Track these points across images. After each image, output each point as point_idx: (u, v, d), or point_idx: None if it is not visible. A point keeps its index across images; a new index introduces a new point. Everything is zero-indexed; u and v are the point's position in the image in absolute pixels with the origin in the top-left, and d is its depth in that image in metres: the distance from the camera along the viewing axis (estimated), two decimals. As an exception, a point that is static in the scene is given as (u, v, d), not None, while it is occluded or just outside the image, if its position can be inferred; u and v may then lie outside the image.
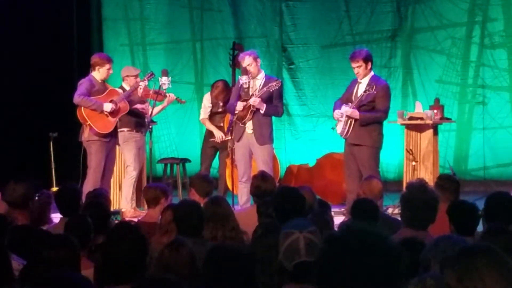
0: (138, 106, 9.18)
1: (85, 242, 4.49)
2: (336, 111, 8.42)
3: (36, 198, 6.16)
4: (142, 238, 3.64)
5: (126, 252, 3.51)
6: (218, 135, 9.83)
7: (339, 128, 8.40)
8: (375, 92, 8.18)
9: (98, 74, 8.80)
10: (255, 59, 8.57)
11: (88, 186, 8.37)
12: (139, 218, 6.99)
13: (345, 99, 8.46)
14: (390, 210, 8.62)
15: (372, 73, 8.39)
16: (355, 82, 8.47)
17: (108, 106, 8.67)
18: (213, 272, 3.34)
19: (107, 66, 8.80)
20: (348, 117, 8.25)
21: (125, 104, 8.88)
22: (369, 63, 8.33)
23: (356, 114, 8.19)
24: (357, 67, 8.30)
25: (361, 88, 8.31)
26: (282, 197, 5.15)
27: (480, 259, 2.35)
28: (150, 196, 6.24)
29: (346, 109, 8.25)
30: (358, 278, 2.18)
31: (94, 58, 8.92)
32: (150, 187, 6.60)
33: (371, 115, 8.25)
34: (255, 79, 8.57)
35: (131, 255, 3.51)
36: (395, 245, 2.26)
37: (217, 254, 3.41)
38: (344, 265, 2.20)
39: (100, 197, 6.14)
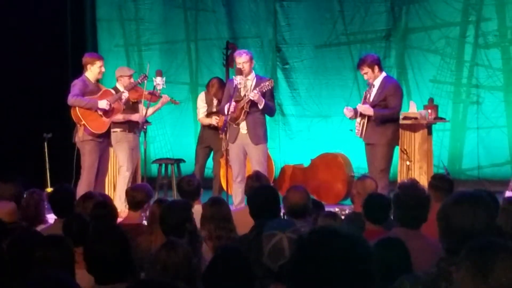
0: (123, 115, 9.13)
1: (84, 241, 4.47)
2: (346, 108, 8.59)
3: (26, 196, 6.16)
4: (123, 237, 3.62)
5: (107, 252, 3.49)
6: (214, 121, 9.82)
7: (357, 130, 8.59)
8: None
9: (90, 73, 8.78)
10: (251, 59, 8.61)
11: (82, 186, 8.37)
12: (120, 220, 6.86)
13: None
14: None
15: (383, 74, 8.57)
16: (370, 85, 8.64)
17: (103, 103, 8.65)
18: (220, 273, 3.35)
19: (98, 63, 8.77)
20: (361, 117, 8.39)
21: (119, 104, 8.87)
22: (375, 66, 8.50)
23: (370, 111, 8.35)
24: (365, 73, 8.52)
25: (374, 90, 8.49)
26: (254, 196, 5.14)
27: (502, 253, 2.35)
28: (137, 199, 5.90)
29: (359, 105, 8.43)
30: (329, 280, 2.10)
31: (85, 58, 8.91)
32: (136, 189, 6.15)
33: (384, 112, 8.41)
34: (246, 80, 8.58)
35: (113, 255, 3.49)
36: (366, 246, 2.21)
37: (226, 255, 3.42)
38: (314, 268, 2.12)
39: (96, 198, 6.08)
